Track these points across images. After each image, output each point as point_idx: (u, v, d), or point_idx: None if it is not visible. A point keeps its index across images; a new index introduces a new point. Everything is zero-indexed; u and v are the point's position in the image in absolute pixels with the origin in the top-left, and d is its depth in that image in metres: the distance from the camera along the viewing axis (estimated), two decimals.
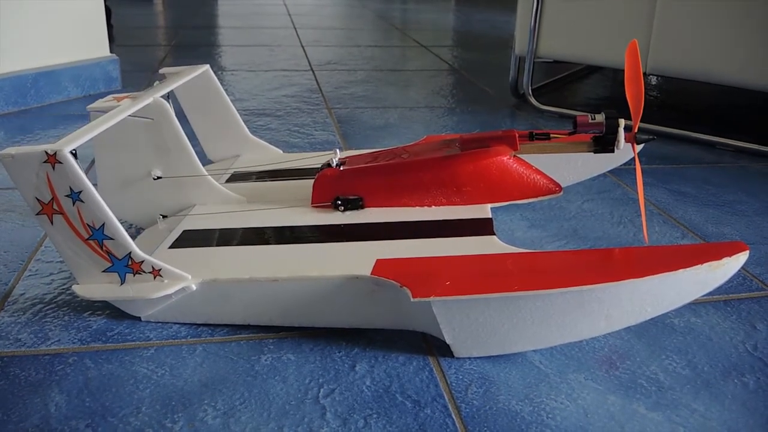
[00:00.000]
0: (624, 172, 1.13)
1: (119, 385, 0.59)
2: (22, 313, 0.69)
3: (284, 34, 2.49)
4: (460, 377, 0.61)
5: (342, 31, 2.62)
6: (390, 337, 0.66)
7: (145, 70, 1.76)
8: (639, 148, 0.77)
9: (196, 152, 0.81)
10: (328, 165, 0.81)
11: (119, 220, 0.63)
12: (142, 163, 0.80)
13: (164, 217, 0.81)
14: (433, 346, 0.65)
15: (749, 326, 0.70)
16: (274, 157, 1.00)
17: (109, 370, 0.60)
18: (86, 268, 0.65)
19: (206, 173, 0.81)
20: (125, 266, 0.65)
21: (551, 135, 0.79)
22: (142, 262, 0.64)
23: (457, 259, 0.65)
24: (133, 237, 0.64)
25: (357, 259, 0.66)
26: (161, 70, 0.91)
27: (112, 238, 0.63)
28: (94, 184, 0.63)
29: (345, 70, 1.91)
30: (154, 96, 0.77)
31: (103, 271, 0.65)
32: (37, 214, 0.63)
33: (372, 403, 0.57)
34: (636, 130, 0.75)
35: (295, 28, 2.64)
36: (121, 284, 0.65)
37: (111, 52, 1.62)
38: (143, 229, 0.82)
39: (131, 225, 0.84)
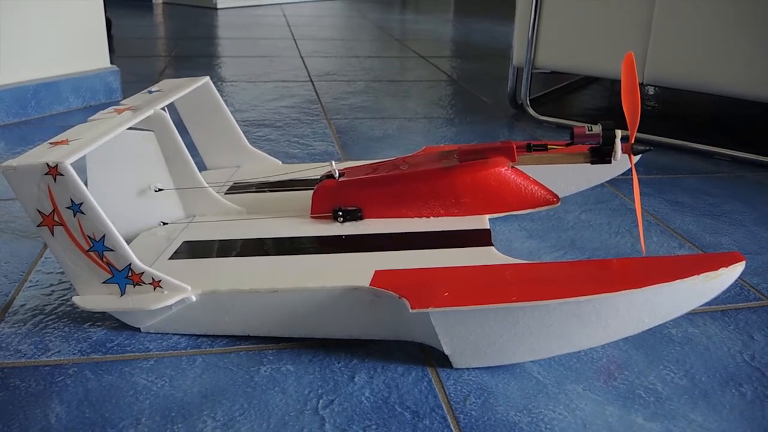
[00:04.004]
0: (622, 182, 1.13)
1: (119, 396, 0.59)
2: (23, 324, 0.69)
3: (283, 45, 2.50)
4: (459, 388, 0.61)
5: (341, 42, 2.64)
6: (389, 348, 0.66)
7: (146, 81, 1.76)
8: (636, 159, 0.78)
9: (195, 163, 0.81)
10: (328, 176, 0.81)
11: (120, 233, 0.64)
12: (142, 175, 0.80)
13: (164, 223, 0.81)
14: (432, 356, 0.65)
15: (747, 336, 0.71)
16: (273, 168, 1.00)
17: (108, 381, 0.61)
18: (86, 280, 0.66)
19: (206, 185, 0.82)
20: (125, 277, 0.65)
21: (549, 146, 0.80)
22: (142, 273, 0.65)
23: (456, 270, 0.65)
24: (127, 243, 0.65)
25: (356, 270, 0.66)
26: (161, 82, 0.92)
27: (112, 250, 0.63)
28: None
29: (344, 81, 1.91)
30: (155, 108, 0.77)
31: (104, 283, 0.65)
32: (38, 225, 0.63)
33: (371, 413, 0.57)
34: (633, 142, 0.75)
35: (294, 39, 2.65)
36: (121, 295, 0.66)
37: (111, 63, 1.63)
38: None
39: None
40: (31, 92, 1.44)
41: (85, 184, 0.63)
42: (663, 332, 0.70)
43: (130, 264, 0.64)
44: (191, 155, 0.81)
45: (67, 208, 0.61)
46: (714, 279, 0.58)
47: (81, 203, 0.61)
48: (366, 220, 0.79)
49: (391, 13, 3.79)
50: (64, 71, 1.52)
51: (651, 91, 1.93)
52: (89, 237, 0.63)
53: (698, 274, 0.58)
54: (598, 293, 0.57)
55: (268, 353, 0.65)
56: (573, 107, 1.75)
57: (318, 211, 0.80)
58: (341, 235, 0.76)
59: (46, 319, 0.70)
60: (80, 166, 0.64)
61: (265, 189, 0.92)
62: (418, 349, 0.66)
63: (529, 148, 0.80)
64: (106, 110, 0.76)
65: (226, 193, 0.91)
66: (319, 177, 0.83)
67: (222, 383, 0.61)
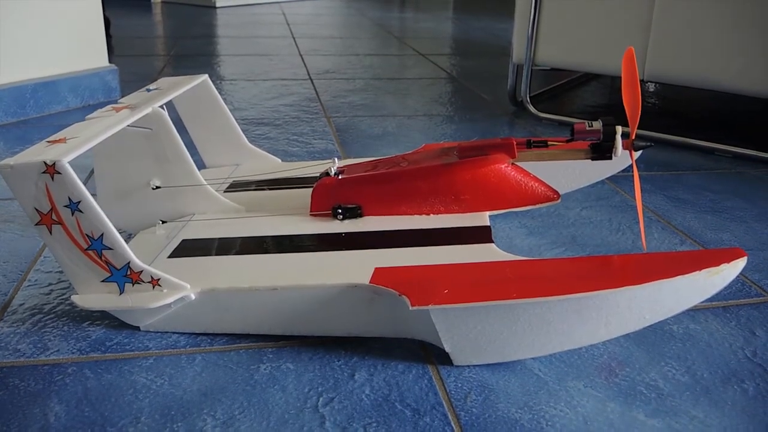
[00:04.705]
0: (622, 178, 1.13)
1: (118, 395, 0.59)
2: (22, 324, 0.69)
3: (283, 44, 2.50)
4: (459, 385, 0.61)
5: (340, 40, 2.63)
6: (389, 346, 0.66)
7: (145, 80, 1.76)
8: (637, 155, 0.78)
9: (194, 162, 0.81)
10: (327, 174, 0.81)
11: (118, 230, 0.64)
12: (141, 173, 0.80)
13: (163, 222, 0.81)
14: (432, 354, 0.65)
15: (748, 332, 0.70)
16: (272, 166, 1.00)
17: (108, 380, 0.60)
18: (85, 278, 0.65)
19: (205, 182, 0.81)
20: (124, 276, 0.65)
21: (549, 142, 0.79)
22: (141, 271, 0.64)
23: (456, 267, 0.65)
24: (127, 242, 0.64)
25: (355, 267, 0.66)
26: (159, 81, 0.91)
27: (111, 248, 0.63)
28: (93, 194, 0.63)
29: (343, 79, 1.91)
30: (153, 106, 0.77)
31: (102, 281, 0.65)
32: (36, 224, 0.63)
33: (371, 411, 0.57)
34: (633, 137, 0.75)
35: (293, 37, 2.65)
36: (120, 294, 0.65)
37: (110, 62, 1.63)
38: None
39: (130, 235, 0.84)
40: (29, 92, 1.43)
41: (86, 182, 0.63)
42: (664, 328, 0.70)
43: (128, 262, 0.64)
44: (190, 153, 0.81)
45: (65, 206, 0.61)
46: (715, 275, 0.58)
47: (79, 201, 0.61)
48: (366, 218, 0.78)
49: (391, 11, 3.78)
50: (63, 71, 1.51)
51: (651, 87, 1.93)
52: (88, 235, 0.63)
53: (700, 270, 0.57)
54: (599, 290, 0.57)
55: (268, 351, 0.65)
56: (573, 104, 1.75)
57: (317, 209, 0.80)
58: (341, 233, 0.76)
59: (45, 318, 0.70)
60: (79, 165, 0.64)
61: (265, 187, 0.92)
62: (419, 347, 0.66)
63: (529, 145, 0.80)
64: (103, 108, 0.76)
65: (225, 191, 0.91)
66: (318, 175, 0.83)
67: (222, 381, 0.61)
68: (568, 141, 0.78)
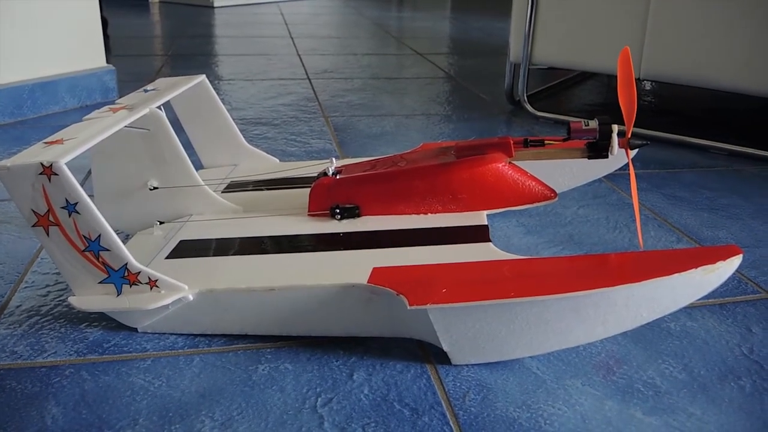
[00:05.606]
0: (619, 177, 1.13)
1: (116, 396, 0.59)
2: (19, 326, 0.69)
3: (281, 43, 2.49)
4: (458, 384, 0.61)
5: (338, 40, 2.63)
6: (387, 345, 0.66)
7: (143, 80, 1.76)
8: (633, 153, 0.78)
9: (192, 162, 0.81)
10: (325, 173, 0.81)
11: (116, 231, 0.64)
12: (138, 174, 0.80)
13: (161, 223, 0.81)
14: (431, 353, 0.65)
15: (745, 329, 0.71)
16: (270, 166, 1.00)
17: (105, 382, 0.60)
18: (82, 280, 0.65)
19: (203, 183, 0.81)
20: (121, 277, 0.65)
21: (546, 141, 0.79)
22: (139, 273, 0.64)
23: (454, 266, 0.65)
24: (124, 243, 0.64)
25: (353, 267, 0.66)
26: (156, 81, 0.91)
27: (108, 250, 0.63)
28: (90, 195, 0.63)
29: (341, 79, 1.91)
30: (151, 107, 0.77)
31: (100, 283, 0.65)
32: (33, 225, 0.63)
33: (370, 411, 0.57)
34: (629, 136, 0.75)
35: (291, 37, 2.65)
36: (118, 295, 0.65)
37: (108, 62, 1.63)
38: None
39: (128, 236, 0.84)
40: (26, 92, 1.43)
41: (83, 183, 0.63)
42: (661, 326, 0.70)
43: (126, 264, 0.64)
44: (188, 154, 0.81)
45: (62, 208, 0.61)
46: (712, 272, 0.58)
47: (76, 203, 0.61)
48: (363, 218, 0.78)
49: (388, 10, 3.78)
50: (60, 71, 1.51)
51: (648, 86, 1.93)
52: (85, 237, 0.63)
53: (696, 267, 0.57)
54: (596, 288, 0.57)
55: (266, 352, 0.65)
56: (570, 103, 1.75)
57: (315, 209, 0.80)
58: (339, 233, 0.76)
59: (42, 320, 0.70)
60: (76, 165, 0.64)
61: (263, 187, 0.92)
62: (417, 346, 0.66)
63: (526, 144, 0.80)
64: (101, 109, 0.76)
65: (222, 192, 0.91)
66: (316, 175, 0.83)
67: (220, 383, 0.61)
68: (564, 140, 0.78)
